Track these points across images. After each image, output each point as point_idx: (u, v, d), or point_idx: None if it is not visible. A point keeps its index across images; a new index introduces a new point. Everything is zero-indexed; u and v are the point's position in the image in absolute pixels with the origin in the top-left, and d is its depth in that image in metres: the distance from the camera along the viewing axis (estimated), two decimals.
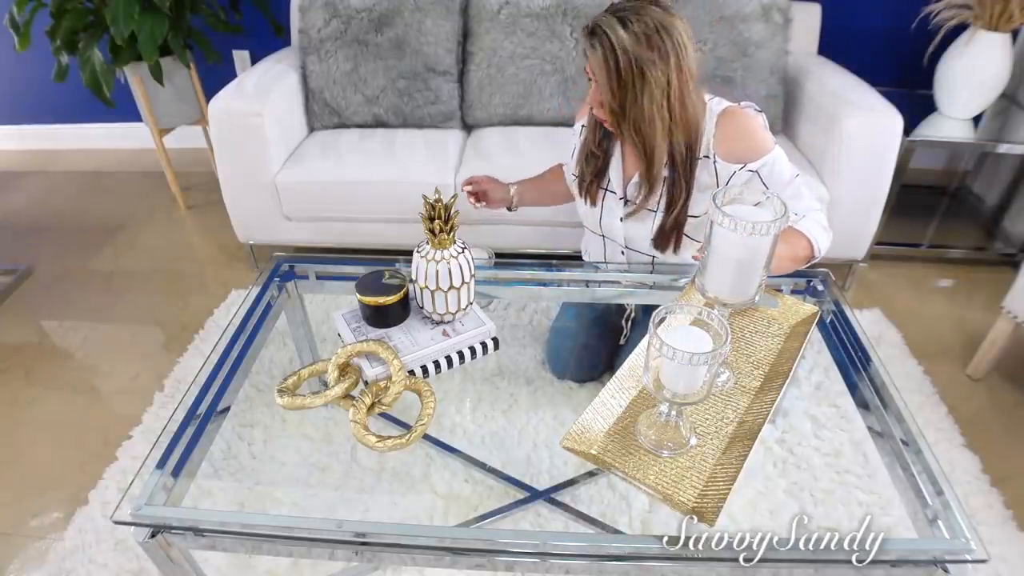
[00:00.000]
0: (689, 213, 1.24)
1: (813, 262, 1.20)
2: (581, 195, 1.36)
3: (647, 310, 1.43)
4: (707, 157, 1.19)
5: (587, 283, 1.37)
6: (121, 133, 3.06)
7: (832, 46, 2.27)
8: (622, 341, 1.55)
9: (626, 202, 1.30)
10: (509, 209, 1.52)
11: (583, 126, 1.33)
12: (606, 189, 1.32)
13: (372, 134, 2.12)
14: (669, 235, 1.25)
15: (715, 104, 1.20)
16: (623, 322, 1.53)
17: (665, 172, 1.20)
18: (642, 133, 1.13)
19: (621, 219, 1.31)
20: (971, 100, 2.06)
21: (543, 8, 2.05)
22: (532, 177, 1.54)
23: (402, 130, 2.15)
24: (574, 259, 1.51)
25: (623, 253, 1.36)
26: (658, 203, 1.24)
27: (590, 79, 1.15)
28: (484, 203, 1.47)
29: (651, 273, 1.34)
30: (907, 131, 1.83)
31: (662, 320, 0.80)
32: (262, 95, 1.94)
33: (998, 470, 1.46)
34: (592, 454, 0.89)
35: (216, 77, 2.45)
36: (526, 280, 1.33)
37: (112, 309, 2.07)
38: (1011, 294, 1.61)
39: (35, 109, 3.05)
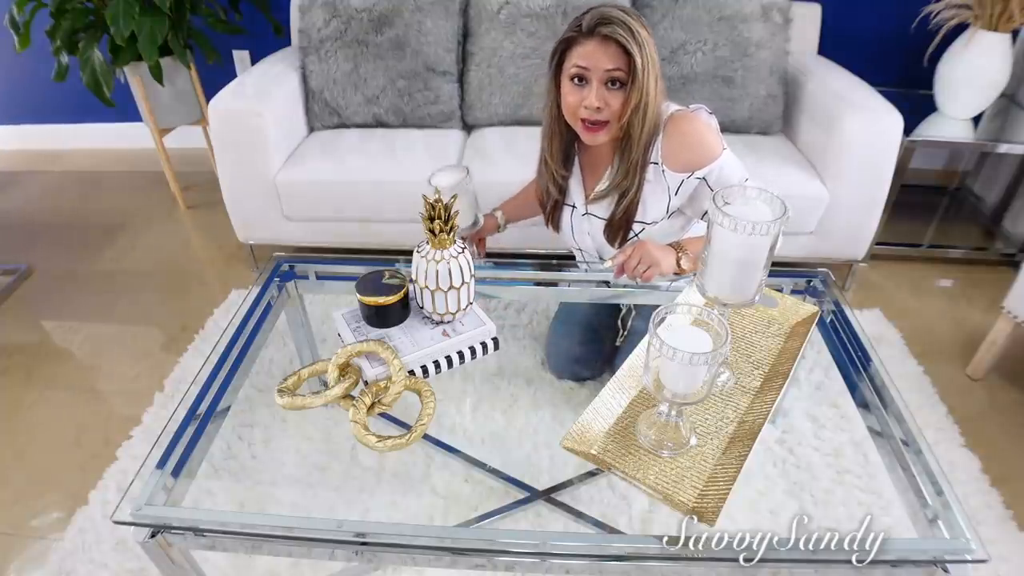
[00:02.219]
0: (639, 218, 1.27)
1: None
2: (546, 221, 1.40)
3: (644, 309, 1.43)
4: (656, 163, 1.21)
5: (582, 283, 1.37)
6: (121, 133, 3.06)
7: (832, 46, 2.27)
8: (618, 342, 1.55)
9: (590, 216, 1.34)
10: (498, 230, 1.54)
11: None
12: (572, 205, 1.35)
13: (372, 134, 2.12)
14: (618, 228, 1.28)
15: (665, 108, 1.22)
16: (619, 322, 1.54)
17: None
18: (646, 115, 1.15)
19: (589, 233, 1.35)
20: (971, 100, 2.06)
21: (543, 8, 2.05)
22: (512, 197, 1.57)
23: (402, 130, 2.15)
24: (574, 259, 1.51)
25: (601, 260, 1.40)
26: (613, 203, 1.27)
27: (582, 83, 1.14)
28: (481, 247, 1.51)
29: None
30: (907, 131, 1.83)
31: (662, 320, 0.80)
32: (262, 95, 1.94)
33: (998, 470, 1.46)
34: (592, 454, 0.89)
35: (216, 77, 2.45)
36: (526, 280, 1.33)
37: (112, 309, 2.07)
38: (1011, 294, 1.61)
39: (35, 109, 3.05)
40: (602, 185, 1.28)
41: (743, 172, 1.20)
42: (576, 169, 1.33)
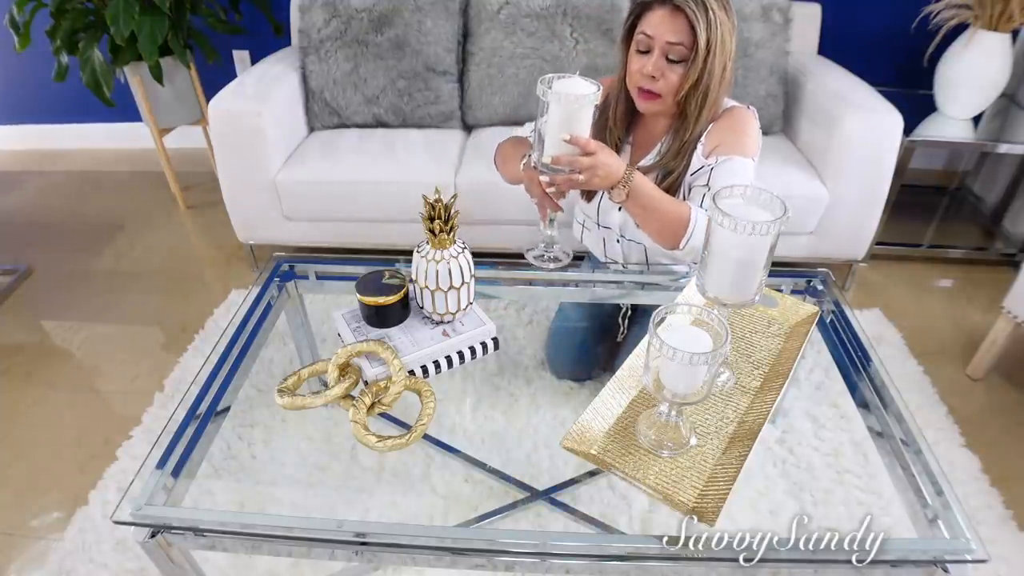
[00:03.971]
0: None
1: (681, 245, 1.14)
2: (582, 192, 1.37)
3: (644, 308, 1.43)
4: (701, 145, 1.22)
5: (583, 283, 1.36)
6: (121, 133, 3.06)
7: (832, 46, 2.27)
8: (619, 339, 1.55)
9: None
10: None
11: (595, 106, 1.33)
12: None
13: (372, 134, 2.12)
14: None
15: (726, 103, 1.22)
16: (620, 320, 1.54)
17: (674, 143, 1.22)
18: (706, 98, 1.14)
19: (620, 207, 1.32)
20: (971, 100, 2.06)
21: (543, 8, 2.05)
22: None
23: (402, 130, 2.15)
24: (573, 259, 1.51)
25: (618, 242, 1.37)
26: (656, 181, 1.25)
27: (646, 51, 1.13)
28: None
29: (646, 272, 1.35)
30: (907, 131, 1.83)
31: (662, 320, 0.80)
32: (262, 95, 1.94)
33: (998, 470, 1.46)
34: (592, 454, 0.89)
35: (216, 77, 2.45)
36: (526, 280, 1.33)
37: (112, 309, 2.07)
38: (1011, 294, 1.61)
39: (35, 109, 3.05)
40: (649, 160, 1.27)
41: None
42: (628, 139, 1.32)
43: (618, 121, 1.28)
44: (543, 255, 1.22)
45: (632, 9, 1.16)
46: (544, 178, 1.12)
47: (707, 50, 1.09)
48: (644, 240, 1.31)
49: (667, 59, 1.12)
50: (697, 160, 1.21)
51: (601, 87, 1.02)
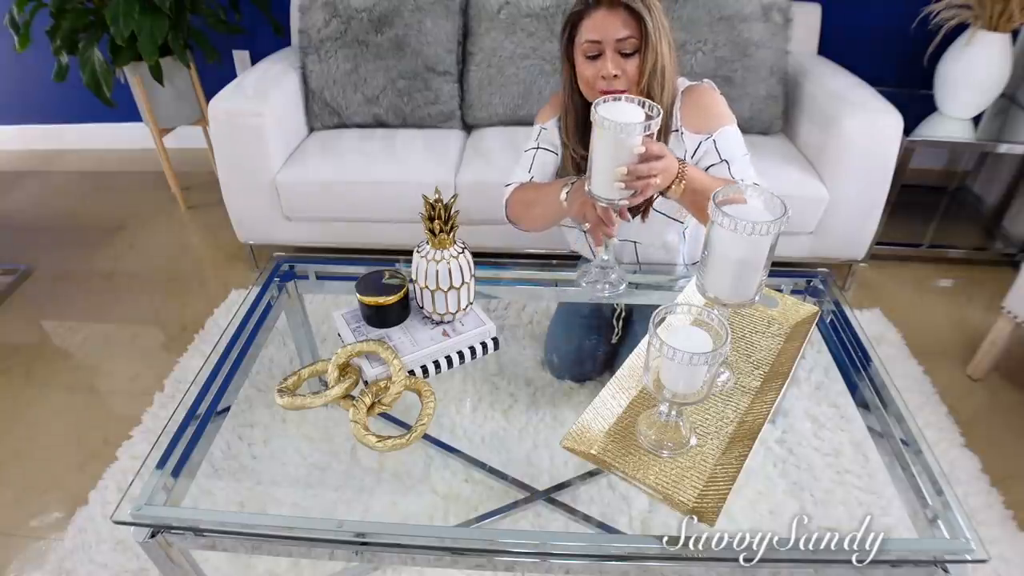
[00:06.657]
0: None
1: None
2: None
3: (641, 309, 1.43)
4: (676, 131, 1.22)
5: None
6: (121, 133, 3.06)
7: (832, 46, 2.27)
8: (614, 340, 1.55)
9: None
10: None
11: (543, 128, 1.33)
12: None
13: (372, 134, 2.12)
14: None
15: (680, 82, 1.23)
16: (614, 322, 1.53)
17: None
18: (664, 78, 1.15)
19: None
20: (971, 100, 2.06)
21: (543, 8, 2.05)
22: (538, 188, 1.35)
23: (402, 130, 2.15)
24: (574, 259, 1.51)
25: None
26: None
27: (595, 56, 1.13)
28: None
29: (638, 271, 1.36)
30: (907, 131, 1.83)
31: (662, 320, 0.80)
32: (262, 95, 1.94)
33: (998, 470, 1.46)
34: (592, 454, 0.89)
35: (216, 77, 2.45)
36: (526, 280, 1.33)
37: (112, 309, 2.07)
38: (1011, 294, 1.61)
39: (35, 109, 3.05)
40: None
41: (744, 148, 1.22)
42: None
43: (570, 133, 1.26)
44: (597, 281, 1.20)
45: (567, 21, 1.15)
46: (601, 204, 1.06)
47: (655, 31, 1.10)
48: (637, 238, 1.31)
49: (621, 55, 1.13)
50: (691, 141, 1.22)
51: (660, 111, 0.97)
